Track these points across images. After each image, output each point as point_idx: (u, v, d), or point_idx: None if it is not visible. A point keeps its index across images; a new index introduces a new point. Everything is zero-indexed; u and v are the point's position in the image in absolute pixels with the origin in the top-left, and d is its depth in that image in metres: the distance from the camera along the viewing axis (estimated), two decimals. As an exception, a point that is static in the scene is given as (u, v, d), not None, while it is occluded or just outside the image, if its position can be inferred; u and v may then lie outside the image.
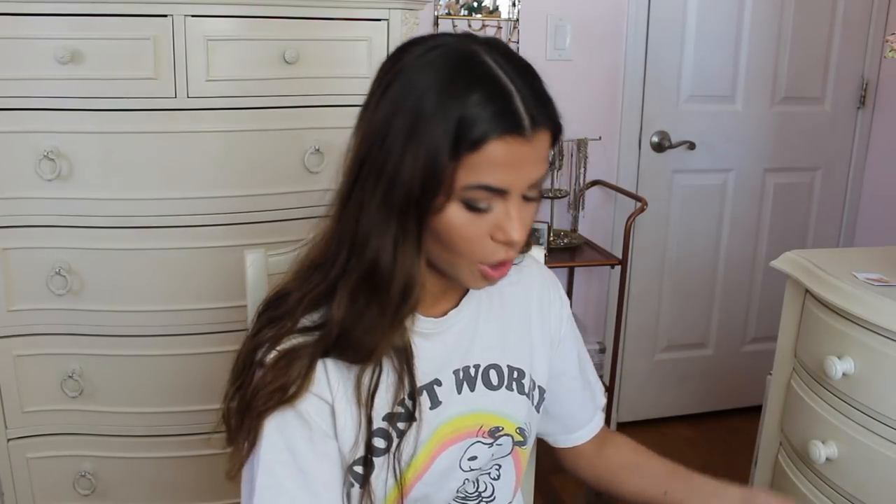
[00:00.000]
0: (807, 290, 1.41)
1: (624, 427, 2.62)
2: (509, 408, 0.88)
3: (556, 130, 0.75)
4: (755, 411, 2.05)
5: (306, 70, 1.58)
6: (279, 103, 1.59)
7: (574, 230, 2.33)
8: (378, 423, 0.79)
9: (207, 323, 1.61)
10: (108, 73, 1.48)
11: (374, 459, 0.79)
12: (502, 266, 0.77)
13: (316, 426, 0.77)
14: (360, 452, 0.79)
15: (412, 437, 0.80)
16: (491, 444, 0.87)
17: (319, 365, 0.78)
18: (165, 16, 1.48)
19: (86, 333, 1.61)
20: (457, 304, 0.87)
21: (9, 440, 1.66)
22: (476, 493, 0.89)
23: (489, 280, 0.78)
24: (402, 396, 0.80)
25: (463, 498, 0.88)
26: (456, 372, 0.86)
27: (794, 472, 1.44)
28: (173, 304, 1.60)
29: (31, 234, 1.55)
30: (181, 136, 1.54)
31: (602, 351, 2.43)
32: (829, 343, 1.32)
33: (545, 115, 0.73)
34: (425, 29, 2.10)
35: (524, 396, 0.90)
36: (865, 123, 2.56)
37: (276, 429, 0.76)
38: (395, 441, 0.80)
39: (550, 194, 2.25)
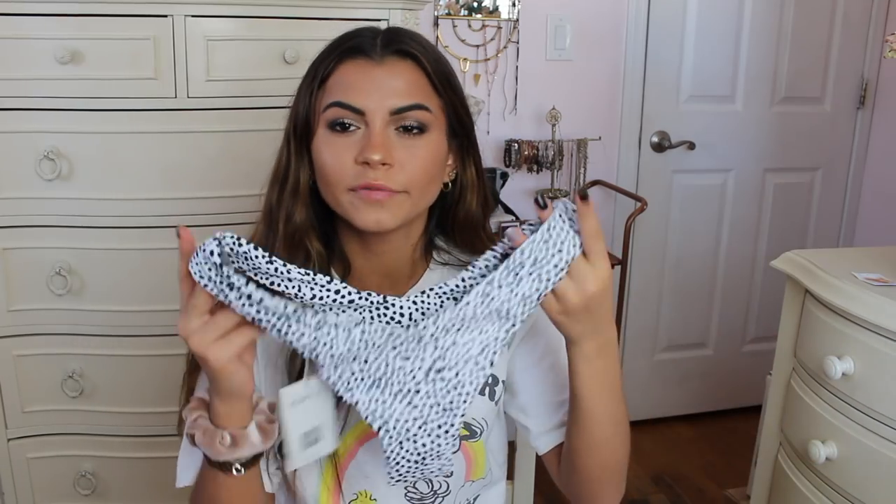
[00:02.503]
0: (807, 290, 1.41)
1: (624, 427, 2.61)
2: None
3: (420, 63, 0.81)
4: (755, 411, 2.05)
5: (306, 70, 1.58)
6: (279, 103, 1.55)
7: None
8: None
9: (207, 323, 1.60)
10: (108, 73, 1.48)
11: None
12: (370, 189, 0.78)
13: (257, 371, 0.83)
14: None
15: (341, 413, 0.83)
16: None
17: None
18: (165, 16, 1.48)
19: (86, 333, 1.61)
20: (404, 293, 0.87)
21: (9, 440, 1.66)
22: (431, 493, 0.90)
23: (367, 204, 0.79)
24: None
25: (419, 499, 0.89)
26: None
27: (794, 472, 1.44)
28: (173, 304, 1.58)
29: (31, 234, 1.55)
30: (181, 137, 1.54)
31: (602, 351, 2.43)
32: (828, 343, 1.32)
33: (400, 43, 0.81)
34: (425, 29, 2.10)
35: (483, 396, 0.89)
36: (865, 123, 2.56)
37: (201, 381, 0.83)
38: None
39: (550, 194, 2.25)
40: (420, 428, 0.71)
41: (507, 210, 2.16)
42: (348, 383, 0.69)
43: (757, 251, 2.61)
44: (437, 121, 0.83)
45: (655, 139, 2.41)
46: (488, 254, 0.70)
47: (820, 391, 1.36)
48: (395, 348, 0.68)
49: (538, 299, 0.68)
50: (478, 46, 2.22)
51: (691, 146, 2.41)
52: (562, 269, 0.67)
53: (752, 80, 2.43)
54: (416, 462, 0.72)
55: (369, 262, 0.88)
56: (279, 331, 0.65)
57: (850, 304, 1.26)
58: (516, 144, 2.22)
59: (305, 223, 0.84)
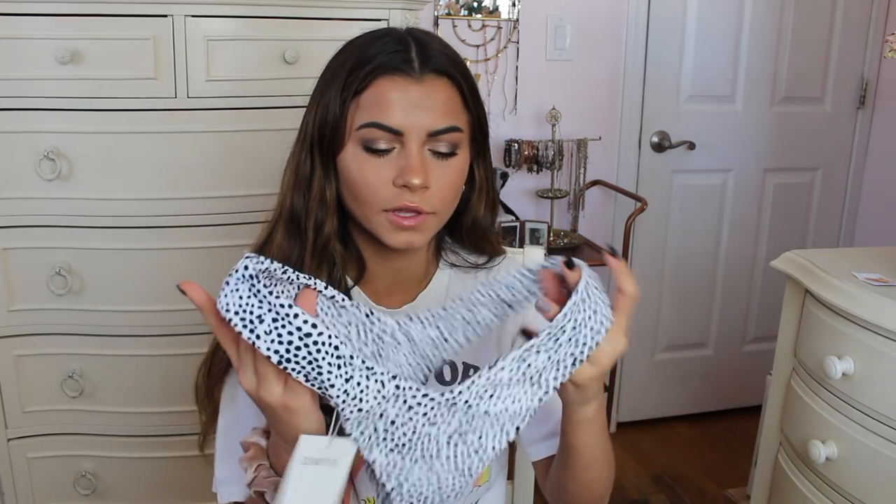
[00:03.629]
0: (807, 290, 1.41)
1: (624, 427, 2.62)
2: None
3: (455, 80, 0.80)
4: (755, 411, 2.05)
5: (306, 70, 1.58)
6: (279, 103, 1.58)
7: (574, 230, 2.33)
8: None
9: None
10: (108, 73, 1.48)
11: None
12: (407, 213, 0.78)
13: None
14: None
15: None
16: None
17: None
18: (165, 16, 1.48)
19: (86, 333, 1.61)
20: (413, 300, 0.89)
21: (9, 440, 1.65)
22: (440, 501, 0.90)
23: (399, 228, 0.78)
24: None
25: None
26: None
27: (794, 472, 1.44)
28: (173, 304, 1.60)
29: (31, 234, 1.55)
30: (181, 137, 1.54)
31: (602, 351, 2.43)
32: (829, 343, 1.32)
33: (437, 60, 0.79)
34: (425, 29, 2.10)
35: None
36: (865, 123, 2.56)
37: (228, 392, 0.83)
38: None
39: (550, 194, 2.25)
40: (433, 491, 0.68)
41: (508, 210, 2.16)
42: (368, 439, 0.65)
43: (757, 251, 2.61)
44: (465, 138, 0.82)
45: (655, 139, 2.41)
46: (511, 280, 0.71)
47: (820, 391, 1.36)
48: (425, 415, 0.64)
49: (572, 365, 0.66)
50: (478, 46, 2.22)
51: (691, 146, 2.41)
52: (598, 333, 0.66)
53: (752, 81, 2.43)
54: None
55: (383, 266, 0.88)
56: (306, 376, 0.60)
57: (850, 304, 1.26)
58: (516, 144, 2.22)
59: (332, 231, 0.83)
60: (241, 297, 0.58)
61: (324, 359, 0.59)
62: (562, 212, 2.36)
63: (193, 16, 1.49)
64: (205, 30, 1.50)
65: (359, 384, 0.61)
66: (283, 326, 0.58)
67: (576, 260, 0.67)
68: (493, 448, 0.68)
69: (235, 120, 1.57)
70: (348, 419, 0.63)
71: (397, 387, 0.62)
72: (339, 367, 0.60)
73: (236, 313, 0.58)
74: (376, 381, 0.61)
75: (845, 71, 2.50)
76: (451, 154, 0.80)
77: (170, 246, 1.57)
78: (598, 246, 2.28)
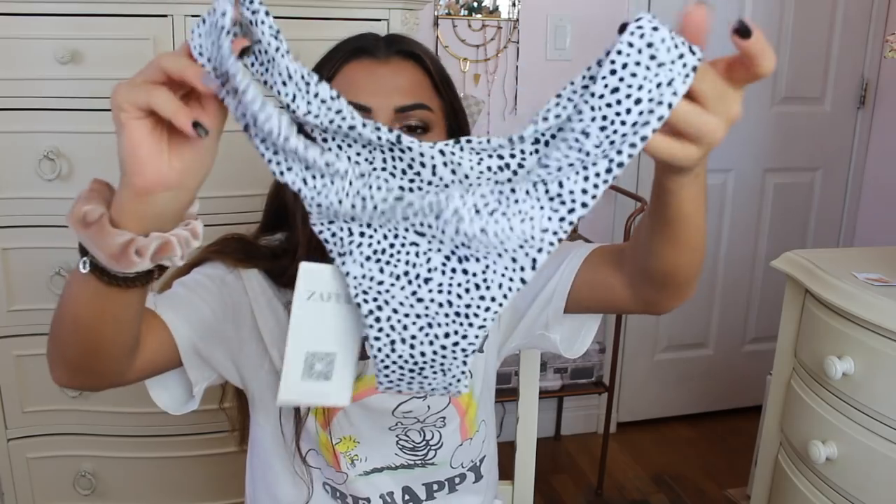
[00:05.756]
0: (807, 290, 1.41)
1: (624, 427, 2.62)
2: None
3: (423, 63, 0.83)
4: (755, 411, 2.05)
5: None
6: (279, 103, 1.58)
7: (574, 230, 2.33)
8: None
9: (207, 323, 1.60)
10: (108, 73, 1.48)
11: None
12: None
13: (216, 282, 0.83)
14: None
15: None
16: (425, 397, 0.88)
17: (256, 274, 0.85)
18: (165, 16, 1.48)
19: (86, 333, 1.61)
20: None
21: (9, 440, 1.65)
22: (423, 442, 0.90)
23: None
24: None
25: (411, 448, 0.90)
26: None
27: (794, 472, 1.44)
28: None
29: (31, 234, 1.55)
30: (181, 136, 1.54)
31: (602, 351, 2.43)
32: (829, 343, 1.32)
33: (403, 44, 0.83)
34: (425, 29, 2.10)
35: None
36: (865, 123, 2.56)
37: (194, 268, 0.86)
38: None
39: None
40: (421, 330, 0.53)
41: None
42: (341, 243, 0.53)
43: (757, 251, 2.61)
44: (439, 121, 0.83)
45: (655, 139, 2.40)
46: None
47: (820, 391, 1.36)
48: (406, 218, 0.51)
49: (607, 171, 0.46)
50: (478, 46, 2.22)
51: (691, 146, 2.41)
52: (664, 102, 0.43)
53: (752, 80, 2.43)
54: (412, 372, 0.55)
55: None
56: (262, 141, 0.52)
57: (850, 304, 1.26)
58: (516, 144, 2.22)
59: None
60: (214, 37, 0.49)
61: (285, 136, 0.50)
62: (562, 212, 2.35)
63: (193, 16, 1.49)
64: (205, 30, 1.50)
65: (314, 177, 0.51)
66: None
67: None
68: (501, 290, 0.51)
69: (235, 119, 1.56)
70: (310, 213, 0.53)
71: (365, 184, 0.50)
72: (301, 147, 0.50)
73: (213, 45, 0.49)
74: (340, 177, 0.50)
75: (845, 71, 2.50)
76: (424, 130, 0.81)
77: (170, 246, 1.57)
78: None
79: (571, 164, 0.46)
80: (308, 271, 0.54)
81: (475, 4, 2.18)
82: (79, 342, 0.64)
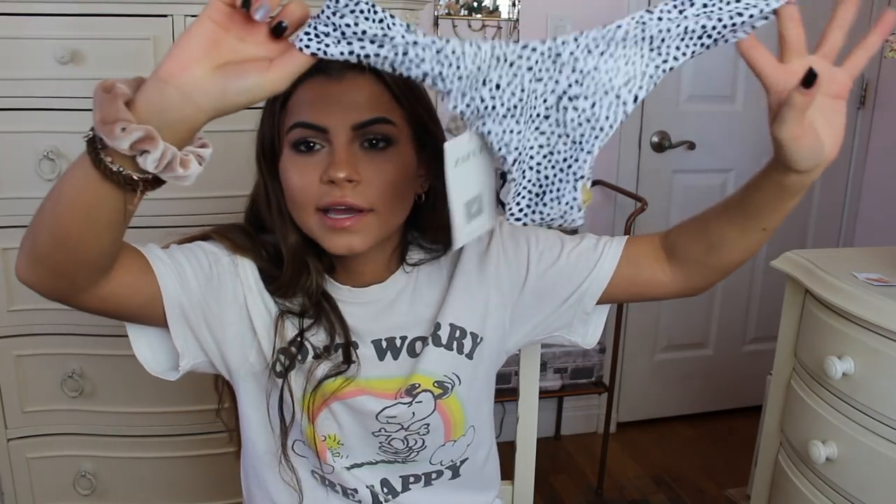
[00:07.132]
0: (807, 290, 1.41)
1: (624, 427, 2.62)
2: (426, 363, 0.89)
3: (379, 76, 0.80)
4: (755, 411, 2.05)
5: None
6: (279, 103, 1.59)
7: (574, 230, 2.33)
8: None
9: (207, 323, 1.60)
10: (108, 73, 1.47)
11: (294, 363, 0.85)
12: (339, 212, 0.78)
13: (211, 258, 0.84)
14: (278, 344, 0.85)
15: (326, 365, 0.85)
16: (410, 403, 0.88)
17: (251, 265, 0.86)
18: (165, 16, 1.48)
19: (86, 333, 1.61)
20: (382, 281, 0.90)
21: (9, 440, 1.66)
22: (406, 449, 0.91)
23: (334, 230, 0.79)
24: (333, 336, 0.86)
25: (393, 453, 0.91)
26: (377, 342, 0.88)
27: (794, 472, 1.44)
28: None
29: (31, 234, 1.55)
30: (181, 136, 1.54)
31: (602, 351, 2.43)
32: (829, 343, 1.32)
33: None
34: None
35: (451, 351, 0.90)
36: (865, 123, 2.56)
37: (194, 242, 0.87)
38: (311, 356, 0.86)
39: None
40: (545, 157, 0.66)
41: (507, 210, 2.16)
42: (479, 111, 0.63)
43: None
44: (403, 133, 0.82)
45: (655, 139, 2.41)
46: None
47: (820, 391, 1.36)
48: (530, 69, 0.62)
49: (700, 39, 0.62)
50: (478, 46, 2.22)
51: (691, 146, 2.41)
52: (748, 7, 0.62)
53: (752, 80, 2.40)
54: (537, 195, 0.67)
55: (345, 269, 0.90)
56: (385, 59, 0.59)
57: (850, 304, 1.27)
58: (516, 144, 2.22)
59: (298, 241, 0.85)
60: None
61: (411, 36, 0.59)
62: (562, 212, 2.35)
63: (193, 16, 1.48)
64: (205, 30, 1.50)
65: (453, 51, 0.59)
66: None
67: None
68: (608, 120, 0.65)
69: (234, 120, 1.56)
70: (449, 92, 0.61)
71: (492, 46, 0.61)
72: (428, 42, 0.59)
73: None
74: (470, 44, 0.60)
75: (845, 71, 2.50)
76: (386, 146, 0.80)
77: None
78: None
79: (676, 27, 0.61)
80: (450, 147, 0.64)
81: (475, 4, 2.18)
82: (51, 228, 0.68)
